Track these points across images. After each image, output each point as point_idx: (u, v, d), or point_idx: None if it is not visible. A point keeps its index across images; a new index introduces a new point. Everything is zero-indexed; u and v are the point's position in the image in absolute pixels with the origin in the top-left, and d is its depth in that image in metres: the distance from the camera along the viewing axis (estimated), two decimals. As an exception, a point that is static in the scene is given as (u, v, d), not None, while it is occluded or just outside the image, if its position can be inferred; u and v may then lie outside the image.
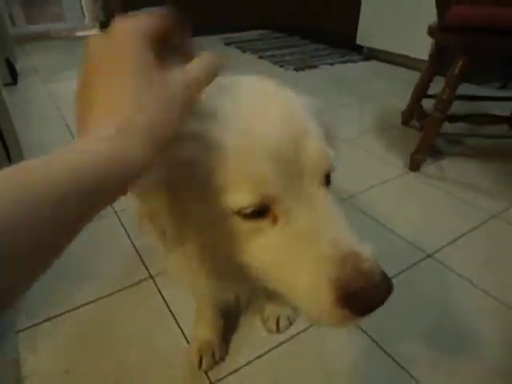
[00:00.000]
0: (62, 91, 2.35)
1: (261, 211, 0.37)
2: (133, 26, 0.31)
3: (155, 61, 0.30)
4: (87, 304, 0.95)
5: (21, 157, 1.33)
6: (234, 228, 0.39)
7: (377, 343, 0.86)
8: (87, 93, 0.30)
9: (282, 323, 0.88)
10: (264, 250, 0.39)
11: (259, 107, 0.40)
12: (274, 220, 0.38)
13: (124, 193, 0.28)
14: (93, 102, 0.29)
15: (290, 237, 0.37)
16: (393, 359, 0.82)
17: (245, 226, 0.38)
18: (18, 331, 0.88)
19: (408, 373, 0.80)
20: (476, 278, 1.03)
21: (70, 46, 3.54)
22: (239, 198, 0.36)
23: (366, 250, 0.36)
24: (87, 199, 0.24)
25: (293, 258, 0.37)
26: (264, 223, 0.38)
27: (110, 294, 0.97)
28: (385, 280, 0.34)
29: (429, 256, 1.11)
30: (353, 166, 1.56)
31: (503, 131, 1.82)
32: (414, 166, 1.50)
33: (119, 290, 0.99)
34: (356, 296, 0.33)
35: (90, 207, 0.25)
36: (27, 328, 0.89)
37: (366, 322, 0.88)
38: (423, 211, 1.31)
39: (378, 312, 0.88)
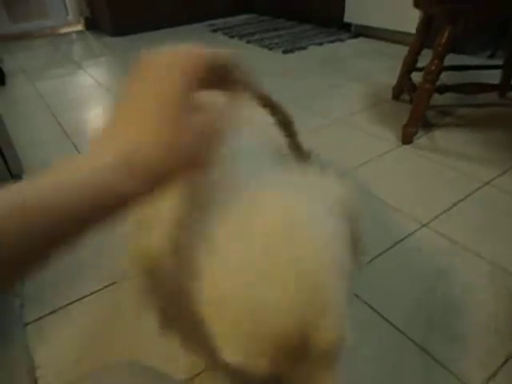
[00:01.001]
0: (51, 89, 2.34)
1: None
2: (172, 64, 0.31)
3: (190, 103, 0.30)
4: (96, 292, 0.97)
5: (15, 155, 1.33)
6: None
7: (375, 310, 0.88)
8: (119, 109, 0.31)
9: None
10: None
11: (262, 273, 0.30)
12: None
13: (110, 218, 0.28)
14: (119, 118, 0.30)
15: None
16: (391, 324, 0.85)
17: None
18: (26, 324, 0.90)
19: (405, 335, 0.82)
20: (470, 244, 1.05)
21: (55, 43, 3.50)
22: None
23: None
24: (73, 223, 0.26)
25: None
26: None
27: (117, 282, 0.99)
28: None
29: (424, 226, 1.13)
30: (346, 144, 1.57)
31: (493, 99, 1.82)
32: (406, 138, 1.51)
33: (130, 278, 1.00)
34: None
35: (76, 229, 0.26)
36: (35, 320, 0.91)
37: (365, 291, 0.91)
38: (417, 182, 1.33)
39: (377, 282, 0.91)
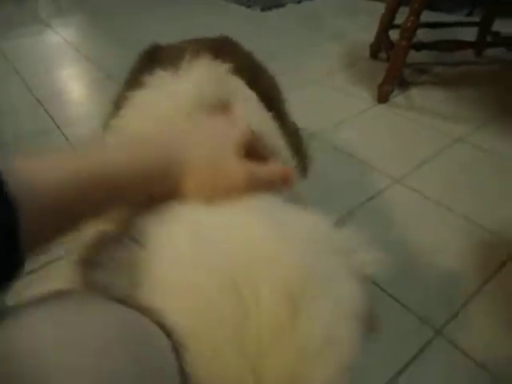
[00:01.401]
0: (18, 50, 2.22)
1: None
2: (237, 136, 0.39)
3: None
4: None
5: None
6: None
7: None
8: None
9: None
10: None
11: None
12: None
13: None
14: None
15: None
16: (364, 274, 0.89)
17: None
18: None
19: (375, 283, 0.87)
20: (442, 198, 1.09)
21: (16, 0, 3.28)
22: None
23: None
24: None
25: None
26: None
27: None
28: None
29: (396, 182, 1.16)
30: (323, 103, 1.57)
31: (469, 58, 1.83)
32: (382, 97, 1.52)
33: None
34: None
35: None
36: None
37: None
38: (392, 140, 1.35)
39: None
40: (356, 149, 1.29)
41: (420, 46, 1.58)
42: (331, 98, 1.61)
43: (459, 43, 1.61)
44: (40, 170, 0.27)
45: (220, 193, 0.34)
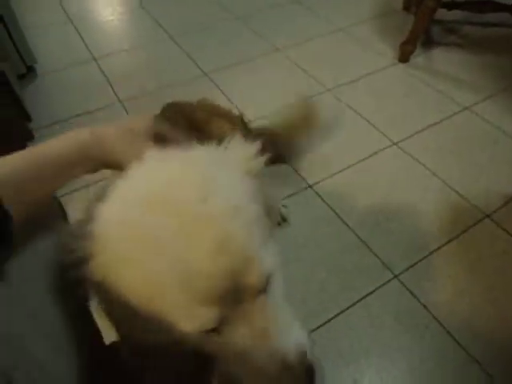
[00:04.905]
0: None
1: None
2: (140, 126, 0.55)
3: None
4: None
5: (22, 35, 1.40)
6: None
7: (334, 210, 1.07)
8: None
9: None
10: None
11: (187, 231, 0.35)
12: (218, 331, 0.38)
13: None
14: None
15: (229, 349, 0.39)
16: (343, 222, 1.04)
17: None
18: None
19: (353, 232, 1.02)
20: (430, 163, 1.20)
21: None
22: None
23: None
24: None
25: None
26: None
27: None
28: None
29: (394, 144, 1.25)
30: (343, 56, 1.61)
31: (503, 19, 1.77)
32: (403, 56, 1.54)
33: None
34: None
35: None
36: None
37: (330, 197, 1.07)
38: (400, 102, 1.41)
39: (341, 189, 1.05)
40: (364, 108, 1.37)
41: (452, 5, 1.56)
42: (353, 51, 1.64)
43: (495, 5, 1.57)
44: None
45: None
